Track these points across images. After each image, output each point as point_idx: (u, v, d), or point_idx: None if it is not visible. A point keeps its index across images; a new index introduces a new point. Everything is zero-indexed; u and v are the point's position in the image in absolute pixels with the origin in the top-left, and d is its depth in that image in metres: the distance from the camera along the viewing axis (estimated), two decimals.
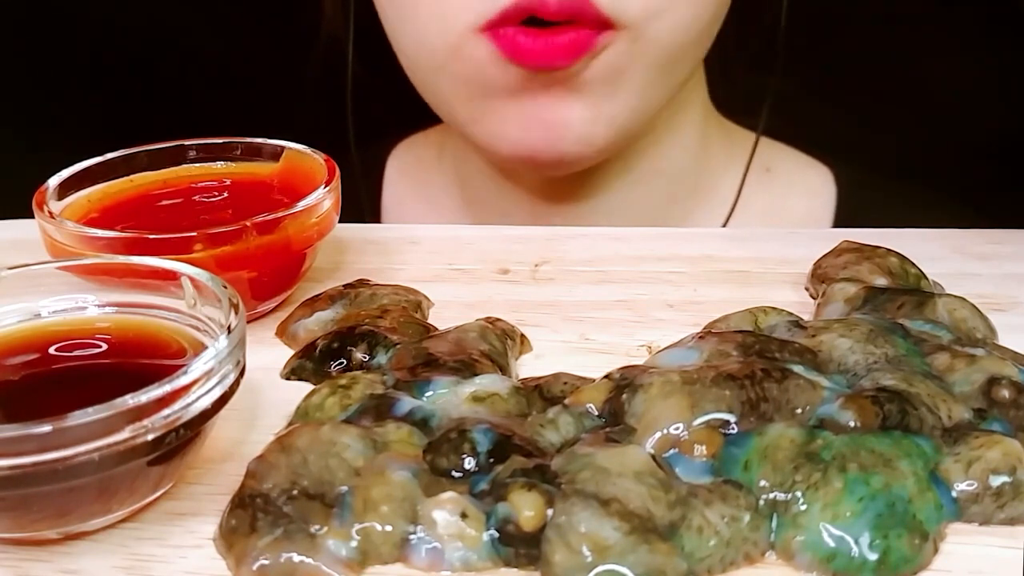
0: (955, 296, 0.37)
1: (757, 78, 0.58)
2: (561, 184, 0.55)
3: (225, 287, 0.31)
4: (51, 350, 0.32)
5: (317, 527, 0.27)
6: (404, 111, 0.62)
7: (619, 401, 0.31)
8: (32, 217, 0.38)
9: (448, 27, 0.48)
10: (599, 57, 0.46)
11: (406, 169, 0.64)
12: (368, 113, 0.61)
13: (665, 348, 0.35)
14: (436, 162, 0.62)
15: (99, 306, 0.34)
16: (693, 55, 0.51)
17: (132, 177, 0.43)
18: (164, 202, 0.42)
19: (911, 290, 0.37)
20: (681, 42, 0.48)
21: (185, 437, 0.28)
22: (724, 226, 0.57)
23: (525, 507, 0.27)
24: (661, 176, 0.56)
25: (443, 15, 0.48)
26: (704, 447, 0.29)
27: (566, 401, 0.32)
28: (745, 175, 0.58)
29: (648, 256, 0.44)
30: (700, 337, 0.34)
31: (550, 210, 0.56)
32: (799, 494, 0.27)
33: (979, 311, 0.36)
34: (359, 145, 0.61)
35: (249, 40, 0.66)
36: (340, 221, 0.41)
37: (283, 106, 0.64)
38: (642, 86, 0.49)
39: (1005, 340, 0.36)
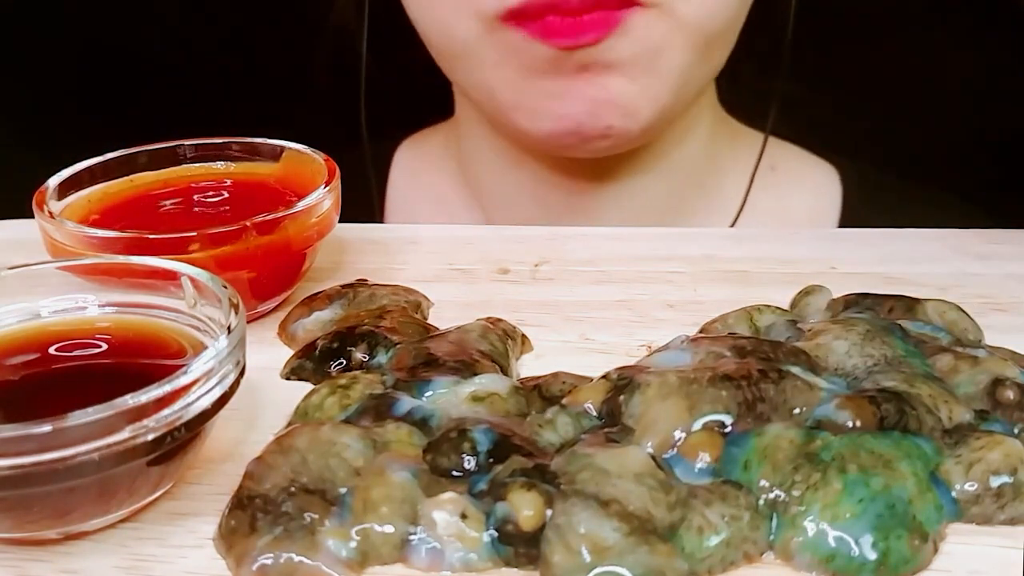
0: (942, 300, 0.37)
1: (764, 79, 0.58)
2: (571, 179, 0.55)
3: (225, 287, 0.31)
4: (51, 350, 0.32)
5: (317, 527, 0.27)
6: (410, 107, 0.62)
7: (616, 402, 0.31)
8: (32, 217, 0.38)
9: (469, 17, 0.48)
10: (630, 34, 0.47)
11: (413, 165, 0.64)
12: (374, 109, 0.61)
13: (657, 350, 0.35)
14: (444, 159, 0.62)
15: (99, 306, 0.34)
16: (726, 40, 0.51)
17: (132, 177, 0.43)
18: (164, 202, 0.42)
19: (898, 296, 0.37)
20: (714, 25, 0.49)
21: (185, 437, 0.28)
22: (732, 226, 0.57)
23: (524, 507, 0.27)
24: (671, 172, 0.56)
25: (462, 5, 0.48)
26: (703, 449, 0.29)
27: (564, 401, 0.32)
28: (753, 175, 0.58)
29: (648, 256, 0.44)
30: (692, 340, 0.34)
31: (559, 204, 0.56)
32: (799, 494, 0.27)
33: (967, 314, 0.36)
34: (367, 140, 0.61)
35: (253, 36, 0.66)
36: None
37: (287, 103, 0.64)
38: (681, 67, 0.49)
39: (1006, 340, 0.35)
